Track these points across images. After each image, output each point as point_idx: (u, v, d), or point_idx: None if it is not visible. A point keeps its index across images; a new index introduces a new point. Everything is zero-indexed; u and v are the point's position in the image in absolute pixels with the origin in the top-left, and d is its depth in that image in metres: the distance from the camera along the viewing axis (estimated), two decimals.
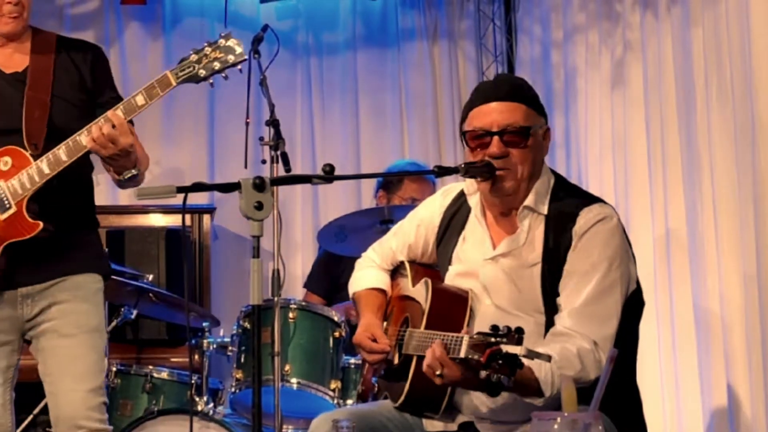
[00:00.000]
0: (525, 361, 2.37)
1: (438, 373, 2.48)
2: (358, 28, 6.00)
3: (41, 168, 2.93)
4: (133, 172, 2.99)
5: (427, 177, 4.83)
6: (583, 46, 5.39)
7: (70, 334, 3.00)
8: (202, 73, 2.92)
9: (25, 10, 3.07)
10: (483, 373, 2.35)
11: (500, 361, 2.32)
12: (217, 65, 2.93)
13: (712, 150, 4.42)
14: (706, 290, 4.49)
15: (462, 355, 2.40)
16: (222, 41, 2.93)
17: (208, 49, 2.93)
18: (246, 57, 2.97)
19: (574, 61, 5.46)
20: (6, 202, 2.94)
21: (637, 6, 5.04)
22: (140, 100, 2.93)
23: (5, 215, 2.94)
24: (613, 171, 5.13)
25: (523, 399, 2.58)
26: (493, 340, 2.35)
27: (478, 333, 2.40)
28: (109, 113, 2.90)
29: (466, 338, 2.41)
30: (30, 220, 2.93)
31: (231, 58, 2.94)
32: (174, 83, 2.93)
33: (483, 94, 2.80)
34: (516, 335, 2.34)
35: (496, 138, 2.71)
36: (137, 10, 5.80)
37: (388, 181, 4.86)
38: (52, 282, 3.04)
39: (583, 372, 2.55)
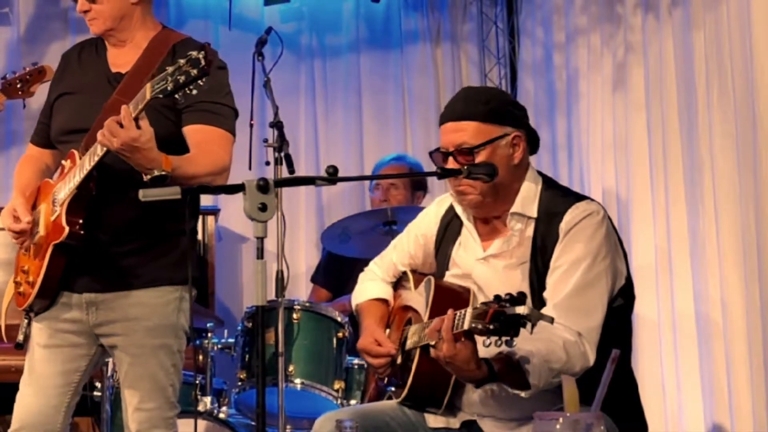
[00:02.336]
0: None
1: (433, 343, 2.51)
2: (362, 30, 6.00)
3: (75, 172, 2.86)
4: (156, 173, 2.72)
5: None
6: (585, 49, 5.40)
7: (135, 353, 2.96)
8: (170, 87, 2.60)
9: (99, 16, 2.98)
10: (487, 341, 2.38)
11: (504, 322, 2.35)
12: (182, 79, 2.59)
13: (714, 152, 4.43)
14: (708, 291, 4.50)
15: (466, 326, 2.44)
16: (194, 53, 2.60)
17: (181, 61, 2.60)
18: (208, 72, 2.59)
19: (575, 63, 5.47)
20: (56, 204, 2.91)
21: (638, 8, 5.05)
22: (132, 106, 2.72)
23: (53, 217, 2.90)
24: (614, 173, 5.14)
25: (511, 391, 2.60)
26: (495, 305, 2.39)
27: (482, 303, 2.44)
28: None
29: (469, 310, 2.45)
30: (63, 224, 2.85)
31: (194, 72, 2.58)
32: (147, 96, 2.64)
33: (444, 113, 2.86)
34: (519, 297, 2.38)
35: (450, 158, 2.77)
36: None
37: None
38: (114, 294, 2.97)
39: (568, 363, 2.57)
